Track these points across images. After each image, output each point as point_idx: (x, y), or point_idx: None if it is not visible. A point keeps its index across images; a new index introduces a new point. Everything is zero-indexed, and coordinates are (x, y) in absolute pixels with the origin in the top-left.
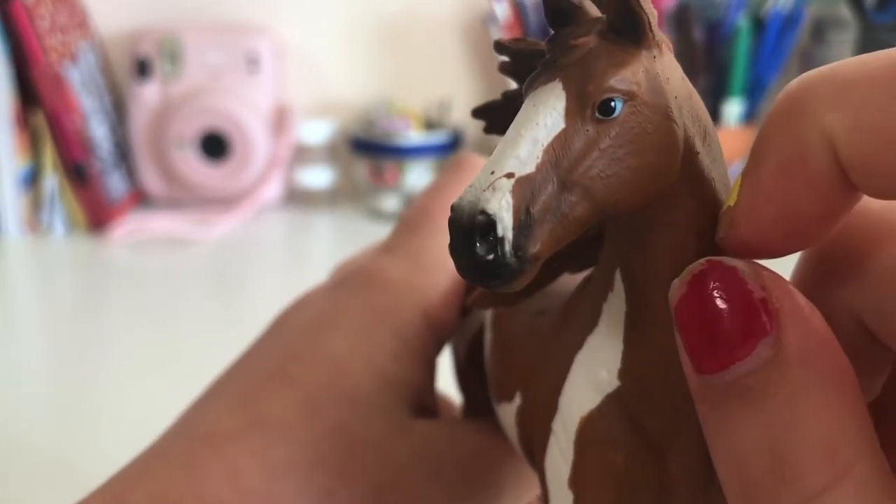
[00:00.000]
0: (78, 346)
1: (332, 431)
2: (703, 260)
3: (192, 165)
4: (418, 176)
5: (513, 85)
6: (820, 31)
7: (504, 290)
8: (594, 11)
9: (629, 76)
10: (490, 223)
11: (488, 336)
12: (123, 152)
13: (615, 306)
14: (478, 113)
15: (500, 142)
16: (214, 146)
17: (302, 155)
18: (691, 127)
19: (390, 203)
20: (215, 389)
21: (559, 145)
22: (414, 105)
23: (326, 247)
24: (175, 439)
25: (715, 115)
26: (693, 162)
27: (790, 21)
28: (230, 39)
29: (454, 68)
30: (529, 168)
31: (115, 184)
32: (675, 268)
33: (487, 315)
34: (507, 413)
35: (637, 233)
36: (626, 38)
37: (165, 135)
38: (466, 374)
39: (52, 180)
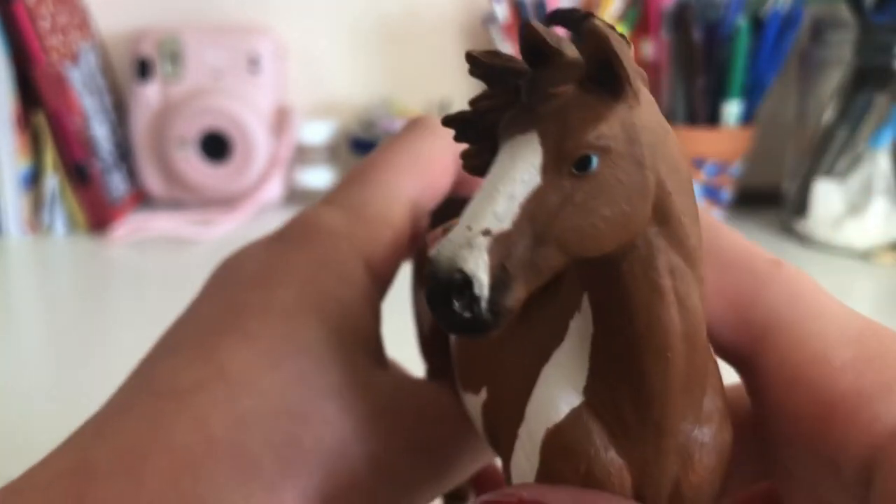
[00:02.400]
0: (79, 345)
1: (296, 382)
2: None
3: (193, 166)
4: None
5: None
6: (819, 31)
7: (479, 339)
8: (572, 51)
9: (606, 131)
10: (467, 281)
11: None
12: (124, 152)
13: (582, 326)
14: (448, 122)
15: (477, 194)
16: (215, 146)
17: (303, 155)
18: (664, 169)
19: None
20: (168, 345)
21: (535, 201)
22: (414, 105)
23: None
24: (136, 394)
25: (714, 115)
26: (665, 203)
27: (789, 21)
28: (231, 40)
29: (454, 69)
30: (506, 224)
31: (116, 184)
32: (645, 303)
33: None
34: (473, 404)
35: (608, 269)
36: (605, 91)
37: (166, 135)
38: (431, 344)
39: (52, 180)
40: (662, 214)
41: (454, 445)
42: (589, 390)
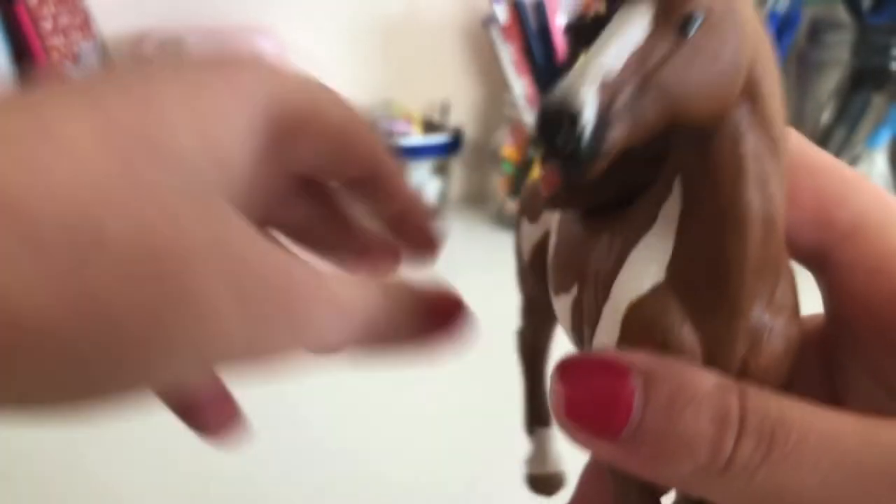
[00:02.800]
0: None
1: (122, 170)
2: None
3: None
4: (419, 177)
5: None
6: (816, 32)
7: (577, 178)
8: None
9: None
10: (574, 116)
11: (553, 239)
12: None
13: (671, 208)
14: (570, 29)
15: (593, 46)
16: None
17: None
18: (757, 49)
19: None
20: (12, 94)
21: (643, 51)
22: (414, 107)
23: None
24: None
25: None
26: (756, 82)
27: (787, 22)
28: (232, 41)
29: (454, 70)
30: (616, 68)
31: None
32: (729, 179)
33: (553, 223)
34: (564, 303)
35: (700, 144)
36: None
37: None
38: (527, 274)
39: None
40: (753, 93)
41: (288, 319)
42: (671, 268)
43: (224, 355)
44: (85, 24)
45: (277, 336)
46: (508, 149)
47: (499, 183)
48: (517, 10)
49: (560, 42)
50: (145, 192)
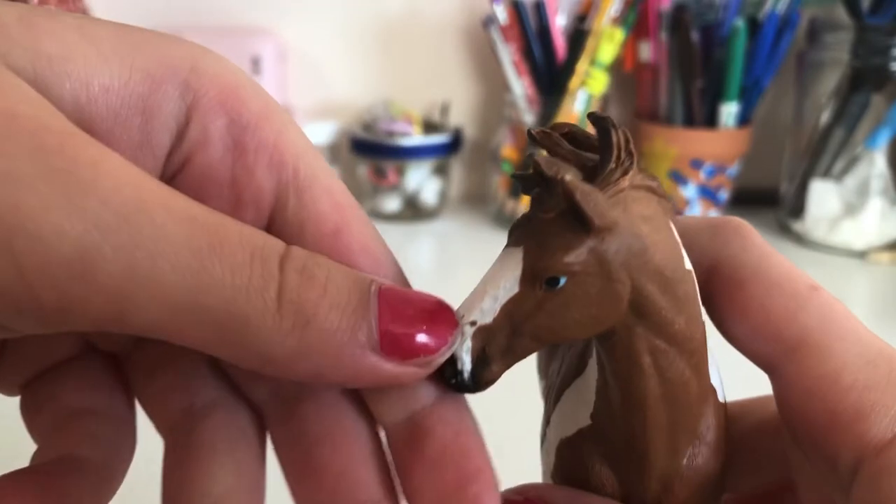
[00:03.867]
0: None
1: None
2: None
3: None
4: (419, 176)
5: None
6: (816, 32)
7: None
8: (571, 176)
9: (573, 259)
10: (453, 359)
11: None
12: None
13: (592, 368)
14: (516, 178)
15: (473, 291)
16: None
17: None
18: (642, 277)
19: (392, 203)
20: None
21: (513, 304)
22: (415, 106)
23: None
24: None
25: (712, 116)
26: (642, 303)
27: (786, 23)
28: (232, 42)
29: (455, 70)
30: (488, 319)
31: None
32: (625, 373)
33: None
34: (540, 385)
35: (600, 340)
36: (577, 225)
37: None
38: None
39: None
40: (640, 311)
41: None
42: (594, 417)
43: (46, 261)
44: None
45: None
46: (508, 149)
47: (499, 183)
48: (517, 10)
49: (560, 42)
50: None
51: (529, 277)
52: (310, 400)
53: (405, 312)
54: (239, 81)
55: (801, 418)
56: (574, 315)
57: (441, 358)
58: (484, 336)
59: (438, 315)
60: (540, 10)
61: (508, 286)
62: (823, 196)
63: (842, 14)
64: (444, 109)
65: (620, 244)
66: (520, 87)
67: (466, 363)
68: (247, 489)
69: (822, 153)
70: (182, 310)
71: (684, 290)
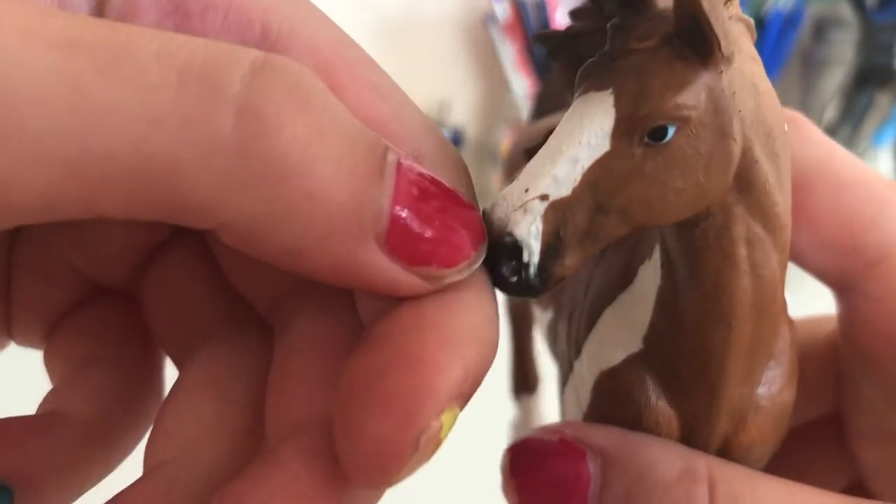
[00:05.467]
0: None
1: None
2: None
3: None
4: None
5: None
6: (820, 30)
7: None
8: (665, 1)
9: (688, 100)
10: (516, 247)
11: None
12: None
13: (650, 275)
14: (539, 38)
15: (541, 152)
16: None
17: None
18: (753, 135)
19: None
20: None
21: (600, 168)
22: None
23: None
24: None
25: None
26: (750, 171)
27: (791, 21)
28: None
29: (454, 68)
30: (565, 191)
31: None
32: (714, 270)
33: None
34: (541, 316)
35: (681, 230)
36: (692, 51)
37: None
38: None
39: None
40: (746, 182)
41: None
42: (648, 340)
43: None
44: None
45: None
46: (509, 148)
47: (499, 182)
48: (518, 8)
49: None
50: None
51: (625, 129)
52: (304, 312)
53: (428, 203)
54: None
55: (883, 342)
56: (677, 182)
57: (457, 275)
58: (559, 214)
59: (468, 219)
60: (541, 7)
61: (594, 143)
62: None
63: (847, 12)
64: (444, 108)
65: (738, 85)
66: (521, 85)
67: (535, 253)
68: (225, 435)
69: None
70: (75, 171)
71: (785, 159)
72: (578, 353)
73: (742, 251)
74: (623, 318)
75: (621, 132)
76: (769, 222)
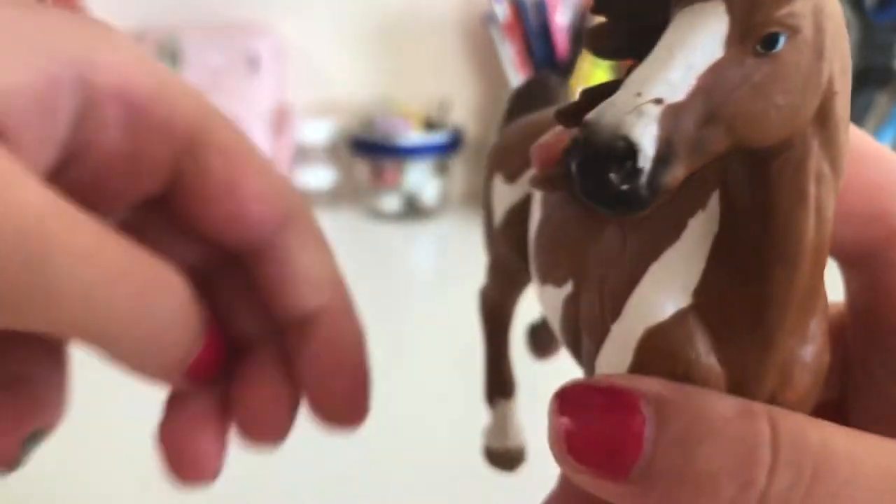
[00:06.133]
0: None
1: None
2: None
3: None
4: (419, 176)
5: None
6: None
7: (622, 217)
8: None
9: (798, 9)
10: (630, 150)
11: (538, 214)
12: None
13: (704, 226)
14: (561, 115)
15: (649, 58)
16: None
17: (302, 155)
18: (837, 65)
19: (391, 203)
20: None
21: (714, 74)
22: (414, 105)
23: None
24: None
25: None
26: (830, 103)
27: None
28: (230, 40)
29: (454, 68)
30: (679, 95)
31: None
32: (787, 207)
33: (535, 190)
34: (553, 296)
35: (757, 167)
36: None
37: None
38: (498, 237)
39: None
40: (824, 115)
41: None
42: (700, 293)
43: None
44: None
45: (24, 291)
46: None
47: None
48: (517, 7)
49: (561, 40)
50: None
51: (740, 35)
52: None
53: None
54: (134, 65)
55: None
56: (778, 98)
57: None
58: (672, 120)
59: None
60: (540, 7)
61: (709, 48)
62: None
63: (846, 12)
64: (444, 108)
65: (833, 8)
66: None
67: (650, 156)
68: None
69: None
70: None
71: (849, 101)
72: (617, 314)
73: (812, 188)
74: (672, 273)
75: (735, 38)
76: (835, 161)
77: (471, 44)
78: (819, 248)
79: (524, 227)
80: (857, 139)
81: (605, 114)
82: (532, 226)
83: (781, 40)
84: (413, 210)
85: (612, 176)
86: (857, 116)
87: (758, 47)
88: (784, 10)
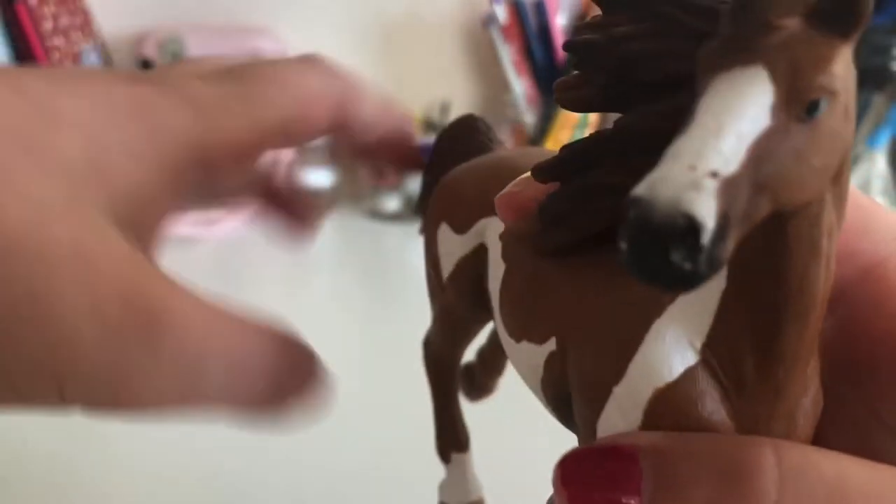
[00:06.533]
0: None
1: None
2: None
3: None
4: (419, 177)
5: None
6: None
7: (677, 293)
8: None
9: (838, 73)
10: (692, 228)
11: (501, 266)
12: None
13: (710, 280)
14: (569, 46)
15: (694, 127)
16: None
17: (304, 155)
18: (851, 124)
19: (391, 204)
20: None
21: (763, 144)
22: (414, 107)
23: (328, 247)
24: None
25: None
26: (845, 160)
27: None
28: (232, 41)
29: (454, 70)
30: (733, 167)
31: None
32: (802, 263)
33: (492, 240)
34: (532, 354)
35: (773, 225)
36: (834, 28)
37: None
38: (447, 287)
39: None
40: (839, 172)
41: (138, 342)
42: (708, 348)
43: (86, 384)
44: (85, 24)
45: (141, 370)
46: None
47: None
48: (517, 9)
49: (561, 42)
50: (10, 187)
51: (784, 103)
52: None
53: None
54: (246, 131)
55: (878, 345)
56: (815, 161)
57: None
58: (728, 193)
59: None
60: (540, 9)
61: (757, 117)
62: None
63: None
64: (444, 109)
65: (853, 66)
66: (520, 86)
67: (710, 234)
68: None
69: None
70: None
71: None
72: (620, 375)
73: (825, 243)
74: (678, 329)
75: (781, 105)
76: (841, 213)
77: (471, 46)
78: (826, 299)
79: (477, 279)
80: None
81: (660, 189)
82: (494, 279)
83: (823, 105)
84: (413, 210)
85: (674, 255)
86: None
87: (803, 114)
88: (826, 75)
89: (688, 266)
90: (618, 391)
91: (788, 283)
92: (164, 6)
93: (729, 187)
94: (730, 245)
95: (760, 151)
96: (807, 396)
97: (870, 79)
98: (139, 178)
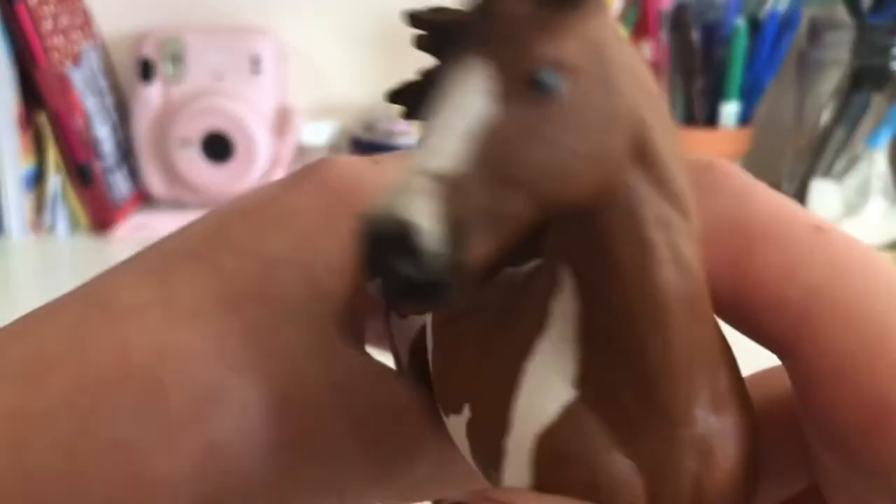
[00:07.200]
0: None
1: (245, 331)
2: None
3: (195, 166)
4: None
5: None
6: (816, 32)
7: (440, 308)
8: None
9: (567, 45)
10: (405, 233)
11: (429, 340)
12: (126, 153)
13: (566, 305)
14: (394, 97)
15: (425, 129)
16: (217, 147)
17: (304, 156)
18: (641, 98)
19: None
20: (132, 260)
21: (489, 134)
22: None
23: None
24: (69, 301)
25: (712, 116)
26: (646, 139)
27: (787, 22)
28: (232, 41)
29: None
30: (458, 165)
31: (119, 184)
32: (633, 263)
33: (427, 318)
34: (457, 426)
35: (586, 227)
36: (563, 3)
37: (168, 136)
38: (409, 373)
39: (55, 181)
40: (643, 154)
41: (404, 449)
42: (582, 381)
43: (358, 493)
44: (85, 24)
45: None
46: None
47: None
48: None
49: None
50: (262, 348)
51: (506, 86)
52: None
53: None
54: None
55: (828, 415)
56: (574, 143)
57: None
58: (457, 193)
59: None
60: None
61: (476, 108)
62: (824, 196)
63: (842, 13)
64: None
65: (614, 37)
66: None
67: (433, 236)
68: None
69: (822, 153)
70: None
71: (677, 134)
72: (505, 428)
73: (657, 235)
74: (548, 366)
75: (503, 90)
76: (674, 197)
77: None
78: (691, 298)
79: (426, 360)
80: (748, 213)
81: (378, 200)
82: (429, 356)
83: (557, 80)
84: None
85: (398, 265)
86: (855, 118)
87: (531, 93)
88: (548, 46)
89: (414, 273)
90: (508, 445)
91: (625, 288)
92: (164, 6)
93: (456, 188)
94: (477, 248)
95: (490, 143)
96: (719, 416)
97: (870, 78)
98: (350, 285)
